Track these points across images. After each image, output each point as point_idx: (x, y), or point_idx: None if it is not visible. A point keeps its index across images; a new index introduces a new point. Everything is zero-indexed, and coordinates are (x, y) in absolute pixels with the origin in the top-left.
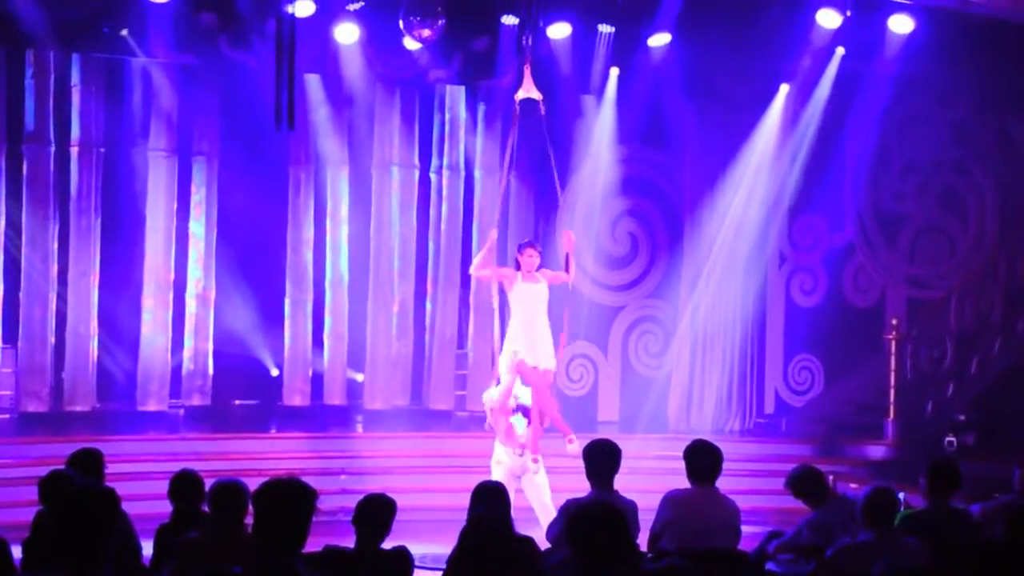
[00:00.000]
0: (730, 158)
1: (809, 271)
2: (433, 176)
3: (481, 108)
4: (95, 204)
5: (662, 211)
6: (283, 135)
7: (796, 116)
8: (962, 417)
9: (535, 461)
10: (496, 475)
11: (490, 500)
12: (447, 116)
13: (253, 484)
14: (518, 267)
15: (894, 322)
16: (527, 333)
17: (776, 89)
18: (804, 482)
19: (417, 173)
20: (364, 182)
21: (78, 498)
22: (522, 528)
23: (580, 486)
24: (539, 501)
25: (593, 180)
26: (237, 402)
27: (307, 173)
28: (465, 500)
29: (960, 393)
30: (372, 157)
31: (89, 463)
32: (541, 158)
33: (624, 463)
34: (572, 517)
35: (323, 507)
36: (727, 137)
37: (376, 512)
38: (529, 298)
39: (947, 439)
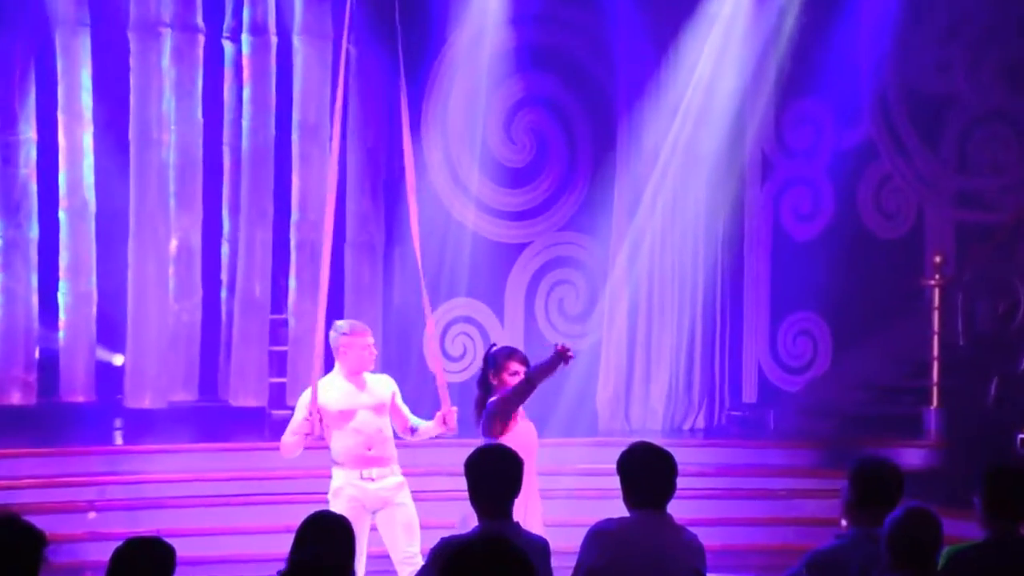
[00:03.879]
0: (685, 17)
1: (808, 186)
2: (228, 44)
3: None
4: None
5: (583, 98)
6: None
7: None
8: None
9: None
10: (337, 508)
11: (324, 540)
12: None
13: None
14: (486, 389)
15: (937, 260)
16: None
17: None
18: (878, 480)
19: (202, 39)
20: (118, 53)
21: None
22: None
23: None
24: (402, 546)
25: (476, 50)
26: None
27: (25, 43)
28: (284, 544)
29: None
30: (128, 14)
31: None
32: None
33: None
34: (448, 563)
35: (57, 560)
36: None
37: (143, 565)
38: (525, 445)
39: (1020, 436)
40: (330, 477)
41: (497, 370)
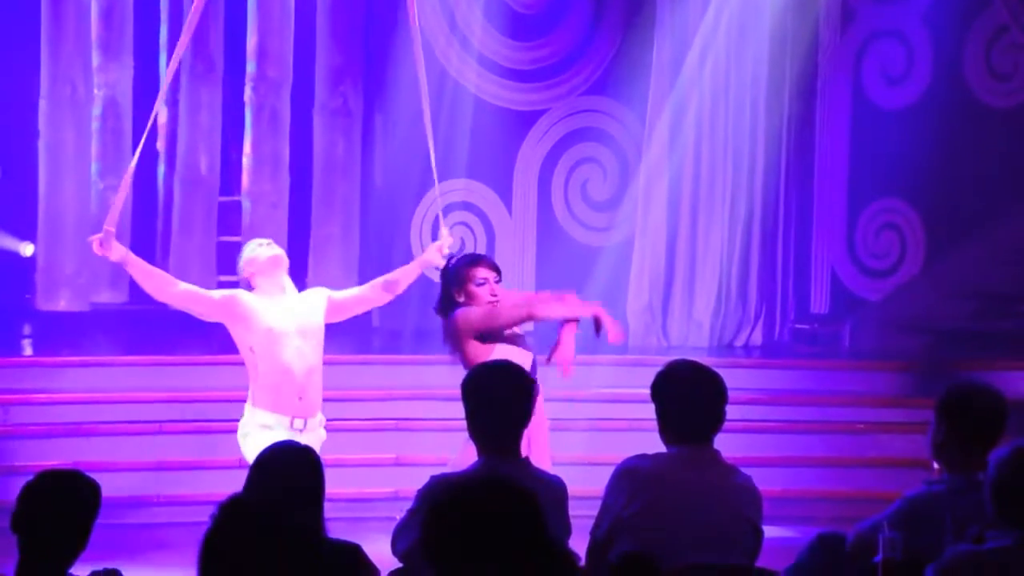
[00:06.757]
0: None
1: (899, 39)
2: None
3: None
4: None
5: None
6: None
7: None
8: None
9: None
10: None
11: (286, 480)
12: None
13: None
14: (448, 301)
15: None
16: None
17: None
18: (973, 412)
19: None
20: None
21: None
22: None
23: None
24: None
25: None
26: None
27: None
28: (236, 482)
29: None
30: None
31: None
32: None
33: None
34: (439, 507)
35: None
36: None
37: (60, 504)
38: None
39: None
40: None
41: (460, 283)
